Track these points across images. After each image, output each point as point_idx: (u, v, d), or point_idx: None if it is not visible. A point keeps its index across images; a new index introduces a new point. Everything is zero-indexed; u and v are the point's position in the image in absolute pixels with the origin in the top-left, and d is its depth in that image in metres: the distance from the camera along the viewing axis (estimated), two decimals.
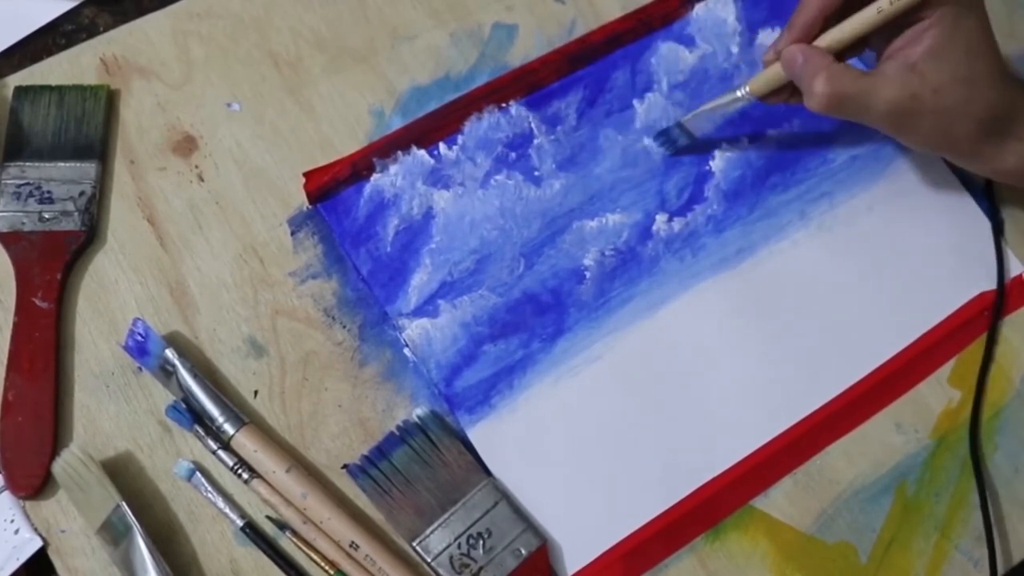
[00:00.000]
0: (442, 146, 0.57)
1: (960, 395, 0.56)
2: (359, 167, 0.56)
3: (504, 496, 0.50)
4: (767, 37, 0.62)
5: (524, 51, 0.60)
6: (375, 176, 0.56)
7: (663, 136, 0.58)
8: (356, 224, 0.56)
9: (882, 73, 0.50)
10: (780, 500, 0.53)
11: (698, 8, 0.62)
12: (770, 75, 0.53)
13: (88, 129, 0.55)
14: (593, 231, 0.57)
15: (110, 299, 0.53)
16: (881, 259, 0.58)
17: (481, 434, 0.52)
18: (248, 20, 0.59)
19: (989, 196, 0.59)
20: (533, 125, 0.59)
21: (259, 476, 0.49)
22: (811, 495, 0.53)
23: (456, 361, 0.53)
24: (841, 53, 0.51)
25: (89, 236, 0.54)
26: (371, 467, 0.49)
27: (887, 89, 0.49)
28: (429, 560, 0.48)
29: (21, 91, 0.56)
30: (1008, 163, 0.52)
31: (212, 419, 0.49)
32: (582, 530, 0.51)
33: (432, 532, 0.48)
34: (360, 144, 0.57)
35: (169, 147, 0.56)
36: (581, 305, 0.55)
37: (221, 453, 0.49)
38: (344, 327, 0.54)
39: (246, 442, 0.49)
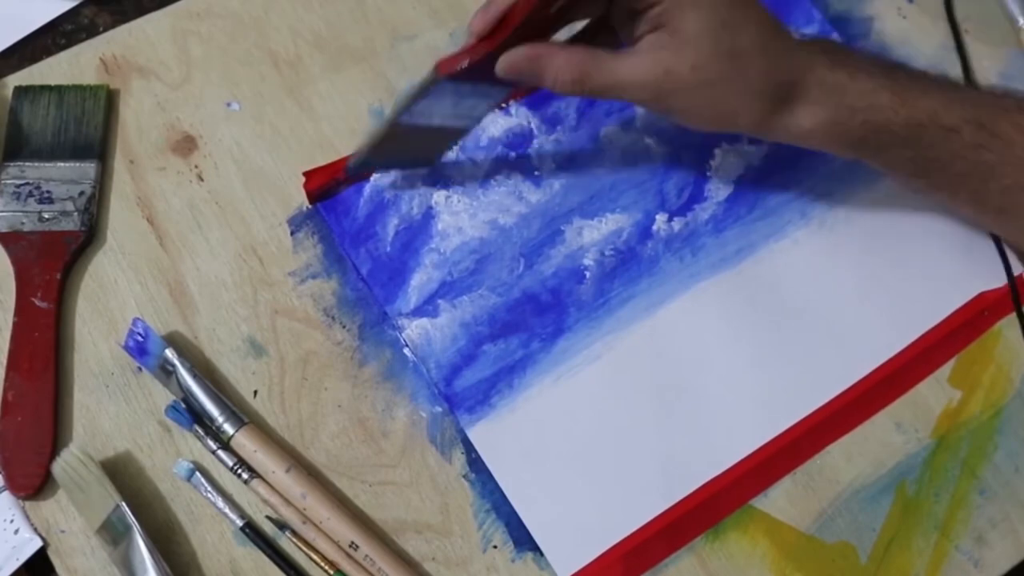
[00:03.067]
0: None
1: (960, 395, 0.56)
2: None
3: None
4: None
5: None
6: (375, 176, 0.56)
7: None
8: (356, 224, 0.56)
9: (635, 51, 0.48)
10: (780, 500, 0.53)
11: None
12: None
13: (88, 129, 0.55)
14: (593, 231, 0.57)
15: (110, 299, 0.53)
16: (881, 259, 0.58)
17: (481, 434, 0.52)
18: (248, 20, 0.59)
19: None
20: (533, 125, 0.59)
21: (259, 476, 0.49)
22: (811, 495, 0.53)
23: (456, 361, 0.53)
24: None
25: (89, 236, 0.54)
26: None
27: (640, 67, 0.47)
28: None
29: (21, 91, 0.56)
30: (804, 126, 0.49)
31: (212, 419, 0.49)
32: (582, 530, 0.51)
33: None
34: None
35: (169, 147, 0.56)
36: (581, 305, 0.55)
37: (221, 453, 0.49)
38: (344, 327, 0.54)
39: (246, 442, 0.49)
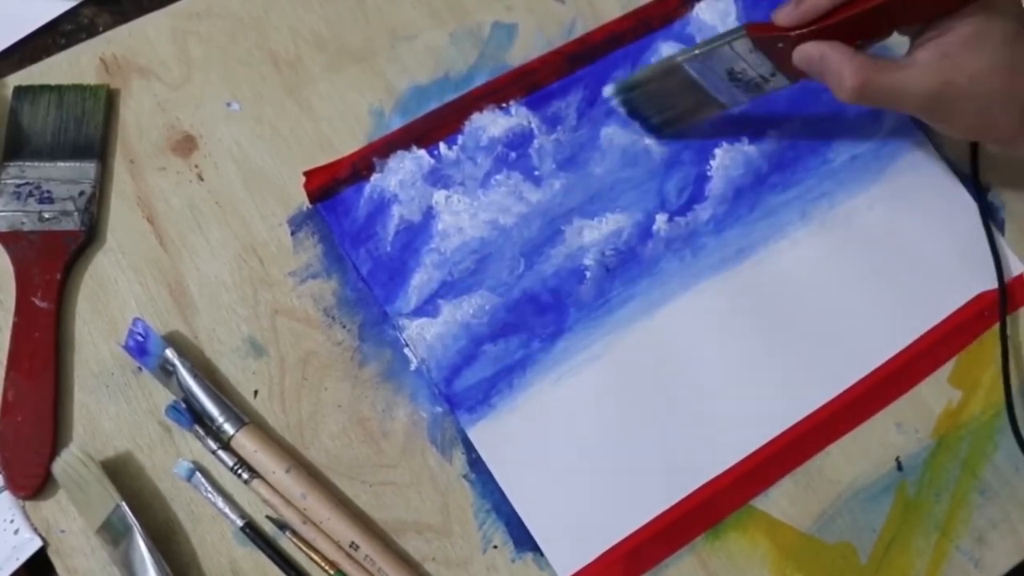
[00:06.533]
0: (442, 146, 0.57)
1: (960, 395, 0.56)
2: (359, 167, 0.56)
3: None
4: None
5: (524, 51, 0.60)
6: (375, 176, 0.56)
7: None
8: (356, 224, 0.56)
9: (915, 61, 0.49)
10: (780, 500, 0.53)
11: (698, 8, 0.62)
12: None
13: (88, 129, 0.55)
14: (593, 231, 0.57)
15: (110, 299, 0.53)
16: (881, 259, 0.58)
17: (481, 433, 0.52)
18: (247, 20, 0.59)
19: (978, 190, 0.60)
20: (533, 125, 0.59)
21: (259, 476, 0.49)
22: (811, 495, 0.53)
23: (456, 361, 0.53)
24: (863, 39, 0.50)
25: (89, 236, 0.54)
26: None
27: (921, 77, 0.49)
28: None
29: (21, 91, 0.56)
30: None
31: (212, 419, 0.49)
32: (582, 530, 0.51)
33: None
34: (360, 144, 0.57)
35: (169, 147, 0.56)
36: (581, 305, 0.55)
37: (221, 453, 0.49)
38: (344, 327, 0.54)
39: (246, 442, 0.49)
